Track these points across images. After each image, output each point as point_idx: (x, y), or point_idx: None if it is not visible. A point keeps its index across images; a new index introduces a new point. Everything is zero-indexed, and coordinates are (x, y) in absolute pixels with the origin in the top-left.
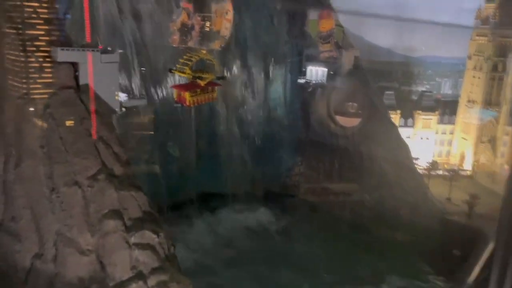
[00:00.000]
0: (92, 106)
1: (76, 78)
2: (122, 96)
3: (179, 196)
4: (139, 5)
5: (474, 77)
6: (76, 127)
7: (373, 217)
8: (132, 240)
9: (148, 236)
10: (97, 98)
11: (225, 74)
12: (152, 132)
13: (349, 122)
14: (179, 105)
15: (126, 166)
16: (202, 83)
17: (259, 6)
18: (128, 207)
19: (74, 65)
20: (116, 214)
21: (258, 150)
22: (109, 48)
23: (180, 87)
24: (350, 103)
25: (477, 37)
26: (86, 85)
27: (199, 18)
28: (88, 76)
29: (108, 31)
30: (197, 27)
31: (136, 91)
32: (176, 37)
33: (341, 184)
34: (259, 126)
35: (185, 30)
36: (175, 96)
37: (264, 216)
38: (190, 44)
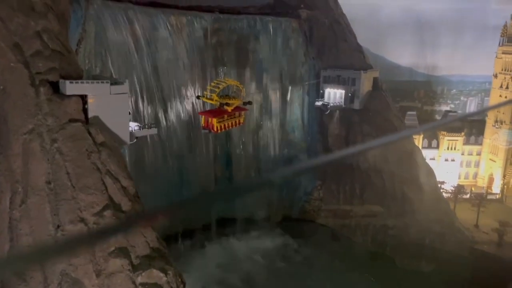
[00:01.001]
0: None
1: (85, 110)
2: (133, 126)
3: (196, 222)
4: (153, 33)
5: (500, 96)
6: (84, 162)
7: (396, 245)
8: (139, 280)
9: (155, 275)
10: (107, 130)
11: (251, 99)
12: (168, 162)
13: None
14: (207, 131)
15: (135, 200)
16: (229, 108)
17: (276, 27)
18: (135, 244)
19: (83, 98)
20: (123, 252)
21: None
22: (118, 79)
23: (207, 113)
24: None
25: (503, 55)
26: (95, 118)
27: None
28: (97, 108)
29: (121, 61)
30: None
31: (148, 120)
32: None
33: (362, 209)
34: (277, 149)
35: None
36: (202, 122)
37: (281, 242)
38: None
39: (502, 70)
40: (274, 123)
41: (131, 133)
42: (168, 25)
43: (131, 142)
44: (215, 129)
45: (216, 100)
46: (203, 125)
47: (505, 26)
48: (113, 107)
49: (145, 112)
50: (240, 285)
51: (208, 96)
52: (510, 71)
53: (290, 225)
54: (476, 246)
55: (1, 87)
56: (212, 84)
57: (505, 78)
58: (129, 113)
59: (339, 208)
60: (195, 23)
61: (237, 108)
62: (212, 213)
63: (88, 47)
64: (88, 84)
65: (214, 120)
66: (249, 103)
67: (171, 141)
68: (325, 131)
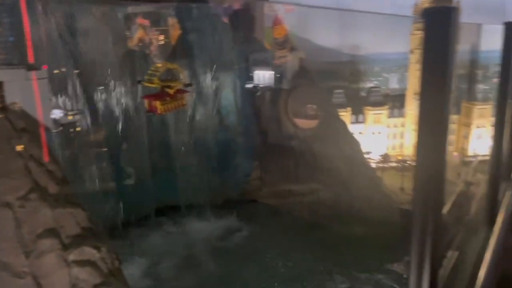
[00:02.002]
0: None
1: (2, 97)
2: (57, 113)
3: (136, 212)
4: (80, 24)
5: (418, 70)
6: (3, 147)
7: (329, 214)
8: (70, 257)
9: (88, 252)
10: (27, 116)
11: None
12: (104, 149)
13: (307, 124)
14: (151, 114)
15: (62, 184)
16: (171, 91)
17: (202, 15)
18: (65, 224)
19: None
20: (52, 232)
21: (214, 159)
22: (36, 65)
23: (151, 96)
24: (309, 105)
25: (416, 32)
26: (13, 104)
27: (156, 33)
28: (15, 95)
29: (49, 50)
30: (154, 42)
31: (76, 108)
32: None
33: (297, 184)
34: (213, 134)
35: (143, 45)
36: (146, 105)
37: (224, 222)
38: (155, 58)
39: (417, 46)
40: (208, 109)
41: (55, 120)
42: (89, 13)
43: (57, 130)
44: (159, 111)
45: (157, 84)
46: (147, 108)
47: (415, 4)
48: (32, 93)
49: (75, 102)
50: (183, 266)
51: (149, 81)
52: None
53: (232, 206)
54: (401, 206)
55: None
56: (152, 68)
57: (419, 53)
58: (49, 100)
59: (277, 186)
60: (118, 11)
61: (179, 91)
62: (152, 202)
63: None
64: (1, 70)
65: (158, 103)
66: (190, 85)
67: (102, 131)
68: (259, 112)
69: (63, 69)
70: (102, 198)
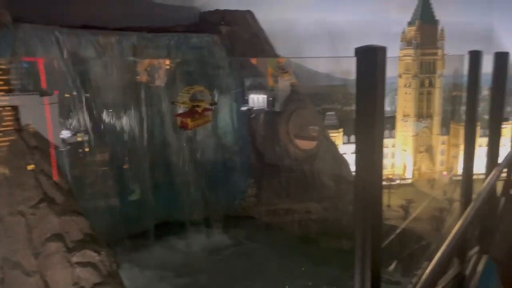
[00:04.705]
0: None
1: (18, 120)
2: (65, 134)
3: (137, 227)
4: (86, 51)
5: (406, 93)
6: (18, 162)
7: (319, 229)
8: (74, 259)
9: (89, 254)
10: (39, 136)
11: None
12: (107, 168)
13: (308, 145)
14: (183, 129)
15: (68, 195)
16: (199, 110)
17: (200, 42)
18: (69, 230)
19: (16, 108)
20: (58, 237)
21: (212, 177)
22: (48, 91)
23: (182, 115)
24: (310, 127)
25: (404, 57)
26: (27, 125)
27: (160, 61)
28: (29, 117)
29: (58, 76)
30: (163, 66)
31: (83, 129)
32: (145, 77)
33: (290, 201)
34: (211, 153)
35: (152, 70)
36: (177, 122)
37: (219, 239)
38: (158, 82)
39: (405, 70)
40: (207, 130)
41: (63, 140)
42: (96, 44)
43: (65, 148)
44: (189, 127)
45: (188, 103)
46: (179, 125)
47: (403, 32)
48: (44, 116)
49: (83, 122)
50: (177, 278)
51: (181, 101)
52: (411, 71)
53: (228, 223)
54: (386, 222)
55: None
56: (184, 90)
57: (407, 77)
58: (59, 122)
59: (270, 202)
60: (123, 41)
61: (205, 109)
62: (151, 217)
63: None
64: (18, 96)
65: (189, 120)
66: (215, 103)
67: (108, 150)
68: (254, 133)
69: (73, 94)
70: (105, 213)
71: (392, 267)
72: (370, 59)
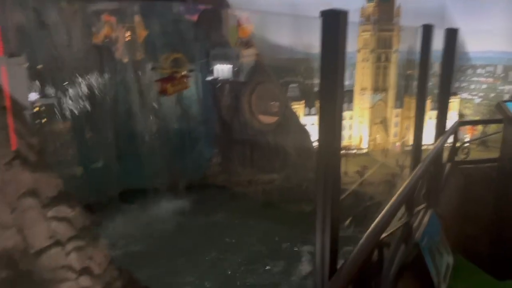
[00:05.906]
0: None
1: None
2: (33, 96)
3: (102, 195)
4: (49, 18)
5: (364, 68)
6: None
7: (281, 193)
8: (49, 214)
9: (63, 210)
10: (10, 96)
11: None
12: (71, 135)
13: (270, 120)
14: (163, 95)
15: (40, 154)
16: (178, 75)
17: (164, 13)
18: (43, 187)
19: None
20: (33, 193)
21: (177, 146)
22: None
23: (162, 80)
24: (272, 102)
25: (362, 33)
26: None
27: (123, 30)
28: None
29: (24, 42)
30: (121, 39)
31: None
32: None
33: (253, 169)
34: (176, 123)
35: (109, 42)
36: (158, 88)
37: (184, 205)
38: (116, 55)
39: (363, 46)
40: (171, 100)
41: (31, 102)
42: (59, 9)
43: (32, 111)
44: (169, 92)
45: (168, 70)
46: (159, 91)
47: (362, 8)
48: (16, 76)
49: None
50: (140, 244)
51: (162, 67)
52: (369, 46)
53: (193, 191)
54: (344, 186)
55: None
56: (163, 57)
57: (365, 52)
58: (27, 84)
59: (234, 170)
60: (87, 8)
61: (184, 76)
62: (115, 186)
63: None
64: None
65: (169, 85)
66: (192, 70)
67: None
68: (218, 103)
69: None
70: (68, 181)
71: (347, 222)
72: (334, 22)
